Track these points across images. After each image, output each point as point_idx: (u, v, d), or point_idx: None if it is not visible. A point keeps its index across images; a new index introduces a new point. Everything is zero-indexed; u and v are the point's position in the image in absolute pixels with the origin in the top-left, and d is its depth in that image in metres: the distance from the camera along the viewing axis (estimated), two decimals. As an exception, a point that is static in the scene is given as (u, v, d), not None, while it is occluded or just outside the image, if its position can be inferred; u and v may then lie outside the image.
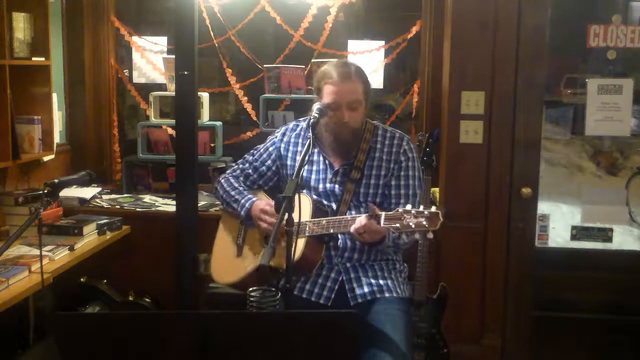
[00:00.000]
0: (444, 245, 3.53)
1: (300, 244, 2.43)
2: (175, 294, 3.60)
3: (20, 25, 3.30)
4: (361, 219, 2.36)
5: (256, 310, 2.34)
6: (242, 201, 2.68)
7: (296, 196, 2.11)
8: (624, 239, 3.85)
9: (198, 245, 3.55)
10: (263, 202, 2.64)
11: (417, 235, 2.36)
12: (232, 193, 2.74)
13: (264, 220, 2.59)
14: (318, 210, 2.54)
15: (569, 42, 3.84)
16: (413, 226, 2.26)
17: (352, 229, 2.38)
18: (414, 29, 3.94)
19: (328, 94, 2.53)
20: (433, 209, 2.29)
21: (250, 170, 2.80)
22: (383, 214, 2.32)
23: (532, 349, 3.64)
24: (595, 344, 3.61)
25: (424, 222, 2.25)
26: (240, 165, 2.84)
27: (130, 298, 3.63)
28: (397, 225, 2.28)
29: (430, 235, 2.33)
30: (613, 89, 3.44)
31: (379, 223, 2.32)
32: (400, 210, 2.29)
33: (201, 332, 1.63)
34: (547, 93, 3.63)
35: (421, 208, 2.30)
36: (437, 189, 3.69)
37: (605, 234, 3.64)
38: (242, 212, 2.67)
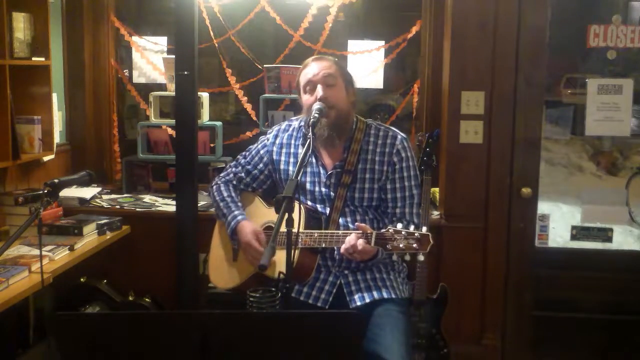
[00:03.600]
0: (444, 245, 3.53)
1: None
2: (175, 294, 3.60)
3: (20, 25, 3.30)
4: (350, 239, 2.34)
5: (256, 310, 2.34)
6: (229, 218, 2.65)
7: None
8: (624, 239, 3.86)
9: (198, 245, 3.55)
10: (249, 230, 2.57)
11: (407, 257, 2.33)
12: (221, 205, 2.71)
13: (250, 254, 2.57)
14: (311, 219, 2.51)
15: (569, 42, 3.85)
16: (403, 248, 2.26)
17: (342, 248, 2.37)
18: (414, 29, 3.94)
19: (303, 78, 2.57)
20: (424, 230, 2.28)
21: (243, 174, 2.77)
22: (374, 233, 2.31)
23: (532, 349, 3.64)
24: (595, 344, 3.61)
25: (414, 245, 2.25)
26: (233, 169, 2.80)
27: (130, 298, 3.63)
28: (388, 246, 2.28)
29: (422, 258, 2.33)
30: (613, 89, 3.44)
31: (369, 242, 2.31)
32: (391, 230, 2.29)
33: (201, 332, 1.63)
34: (547, 93, 3.63)
35: (412, 228, 2.30)
36: (437, 189, 3.69)
37: (605, 234, 3.64)
38: (228, 231, 2.65)
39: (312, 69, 2.56)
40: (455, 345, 3.34)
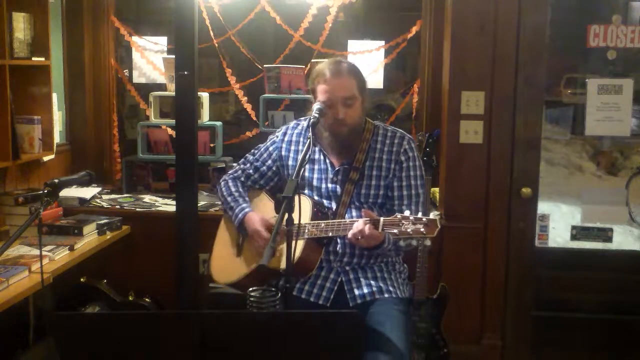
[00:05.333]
0: (444, 245, 3.53)
1: (299, 246, 2.42)
2: (175, 294, 3.60)
3: (20, 25, 3.30)
4: (358, 224, 2.34)
5: (256, 310, 2.34)
6: (236, 211, 2.67)
7: (297, 197, 2.11)
8: (624, 239, 3.85)
9: (198, 245, 3.55)
10: (257, 219, 2.60)
11: (414, 242, 2.36)
12: (228, 199, 2.73)
13: (258, 242, 2.58)
14: (318, 212, 2.53)
15: (569, 42, 3.84)
16: (411, 232, 2.26)
17: (349, 234, 2.37)
18: (414, 29, 3.94)
19: (322, 92, 2.52)
20: (432, 215, 2.29)
21: (251, 170, 2.80)
22: (382, 219, 2.32)
23: (532, 349, 3.64)
24: (595, 344, 3.61)
25: (422, 229, 2.26)
26: (242, 165, 2.84)
27: (130, 298, 3.63)
28: (395, 231, 2.29)
29: (428, 243, 2.34)
30: (613, 89, 3.44)
31: (377, 228, 2.31)
32: (399, 216, 2.30)
33: (201, 332, 1.63)
34: (547, 93, 3.63)
35: (420, 214, 2.31)
36: (437, 189, 3.69)
37: (605, 234, 3.64)
38: (236, 222, 2.67)
39: (333, 85, 2.50)
40: (455, 345, 3.34)
